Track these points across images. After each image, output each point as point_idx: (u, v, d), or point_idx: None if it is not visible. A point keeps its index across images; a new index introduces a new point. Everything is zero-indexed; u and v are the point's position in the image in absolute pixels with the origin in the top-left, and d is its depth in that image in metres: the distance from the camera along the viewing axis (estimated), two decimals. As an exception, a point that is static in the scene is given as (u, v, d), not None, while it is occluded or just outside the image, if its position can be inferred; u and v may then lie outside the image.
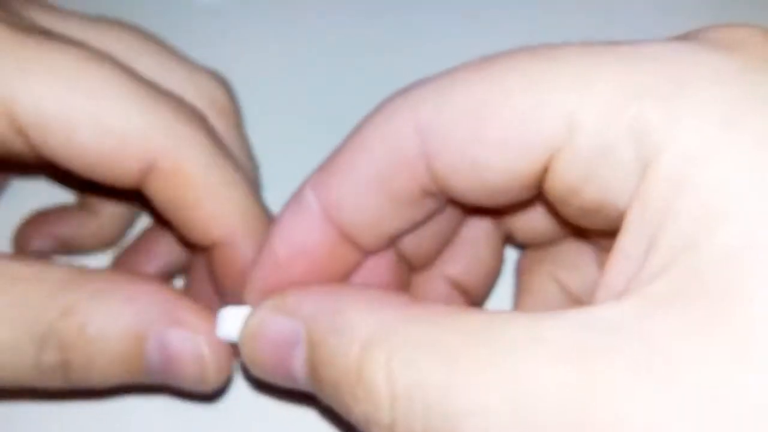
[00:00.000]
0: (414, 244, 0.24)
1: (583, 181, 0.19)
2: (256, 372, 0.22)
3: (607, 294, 0.18)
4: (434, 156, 0.20)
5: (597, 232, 0.23)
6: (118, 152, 0.23)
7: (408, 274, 0.25)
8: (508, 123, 0.19)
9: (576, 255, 0.25)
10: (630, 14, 0.37)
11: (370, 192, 0.21)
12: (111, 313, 0.22)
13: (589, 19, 0.37)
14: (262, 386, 0.27)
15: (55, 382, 0.22)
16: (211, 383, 0.23)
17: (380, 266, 0.24)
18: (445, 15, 0.37)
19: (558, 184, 0.19)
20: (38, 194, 0.30)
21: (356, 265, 0.23)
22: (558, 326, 0.17)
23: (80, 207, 0.29)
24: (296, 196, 0.22)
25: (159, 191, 0.24)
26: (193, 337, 0.22)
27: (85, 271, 0.23)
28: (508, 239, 0.27)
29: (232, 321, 0.22)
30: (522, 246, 0.27)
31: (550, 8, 0.37)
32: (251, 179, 0.27)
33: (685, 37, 0.19)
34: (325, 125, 0.32)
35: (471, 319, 0.18)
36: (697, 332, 0.16)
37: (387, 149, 0.20)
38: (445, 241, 0.25)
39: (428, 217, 0.23)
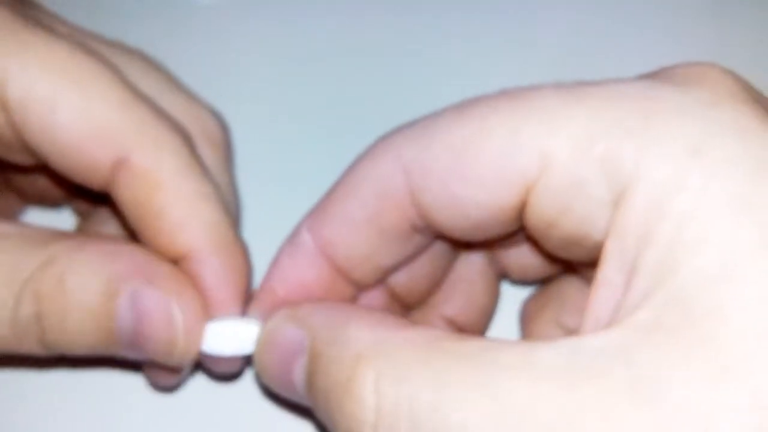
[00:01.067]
0: (406, 282, 0.25)
1: (559, 214, 0.20)
2: (264, 379, 0.23)
3: (593, 323, 0.19)
4: (419, 193, 0.21)
5: (581, 263, 0.24)
6: (93, 141, 0.23)
7: (401, 313, 0.26)
8: (485, 160, 0.20)
9: (577, 296, 0.26)
10: (630, 15, 0.37)
11: (362, 229, 0.22)
12: (89, 266, 0.22)
13: (588, 17, 0.37)
14: (271, 397, 0.27)
15: (30, 344, 0.22)
16: (180, 352, 0.23)
17: (374, 302, 0.25)
18: (446, 15, 0.37)
19: (536, 217, 0.20)
20: (51, 222, 0.30)
21: (351, 300, 0.24)
22: (548, 353, 0.17)
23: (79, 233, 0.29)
24: (292, 237, 0.24)
25: (127, 191, 0.23)
26: (164, 297, 0.22)
27: (69, 232, 0.23)
28: (503, 276, 0.27)
29: (218, 334, 0.23)
30: (517, 282, 0.28)
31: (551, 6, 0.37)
32: (233, 212, 0.26)
33: (651, 76, 0.20)
34: (324, 125, 0.32)
35: (464, 344, 0.19)
36: (679, 356, 0.16)
37: (375, 189, 0.22)
38: (437, 279, 0.26)
39: (419, 252, 0.24)
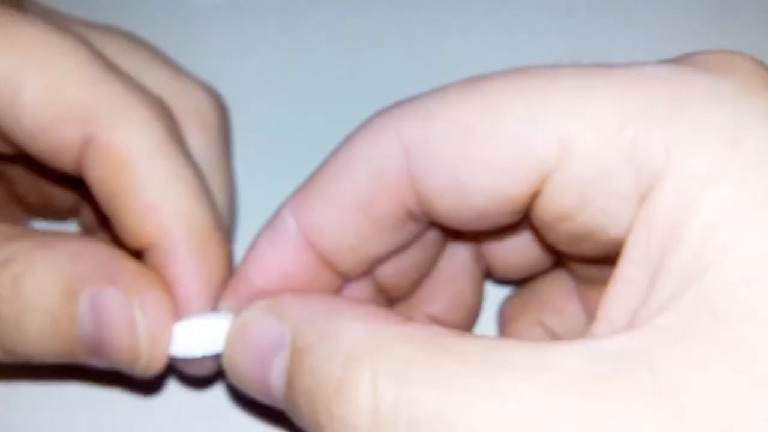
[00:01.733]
0: (393, 274, 0.23)
1: (575, 207, 0.18)
2: (233, 378, 0.20)
3: (608, 325, 0.17)
4: (420, 177, 0.19)
5: (578, 258, 0.22)
6: (59, 121, 0.21)
7: (385, 305, 0.24)
8: (498, 144, 0.18)
9: (558, 296, 0.25)
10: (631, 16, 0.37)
11: (353, 215, 0.20)
12: (49, 266, 0.20)
13: (589, 17, 0.37)
14: (242, 402, 0.25)
15: None
16: (144, 359, 0.21)
17: (359, 293, 0.23)
18: (447, 16, 0.37)
19: (548, 209, 0.18)
20: None
21: (335, 291, 0.22)
22: (564, 355, 0.16)
23: None
24: (273, 221, 0.21)
25: (96, 172, 0.22)
26: (126, 299, 0.20)
27: (32, 229, 0.21)
28: (487, 275, 0.26)
29: (187, 334, 0.21)
30: (501, 281, 0.27)
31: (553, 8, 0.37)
32: (221, 202, 0.25)
33: (676, 61, 0.19)
34: (324, 125, 0.32)
35: (470, 342, 0.17)
36: (710, 361, 0.15)
37: (371, 170, 0.20)
38: (424, 272, 0.24)
39: (410, 241, 0.22)
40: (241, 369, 0.20)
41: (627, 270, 0.17)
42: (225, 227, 0.23)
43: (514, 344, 0.17)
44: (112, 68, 0.22)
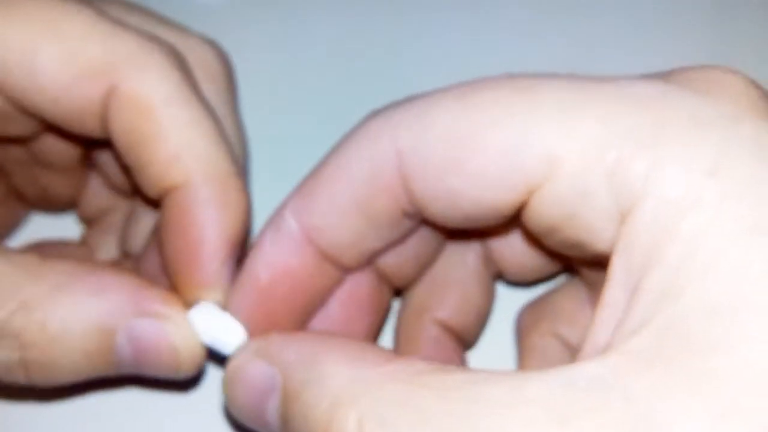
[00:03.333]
0: (395, 262, 0.24)
1: (562, 220, 0.18)
2: (236, 414, 0.21)
3: (593, 347, 0.17)
4: (412, 180, 0.20)
5: (583, 262, 0.23)
6: (79, 80, 0.22)
7: (389, 293, 0.25)
8: (487, 155, 0.18)
9: (572, 306, 0.25)
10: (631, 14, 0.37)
11: (351, 214, 0.21)
12: (74, 308, 0.21)
13: (588, 18, 0.37)
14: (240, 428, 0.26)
15: (18, 380, 0.21)
16: (185, 370, 0.22)
17: (361, 284, 0.23)
18: (447, 17, 0.37)
19: (537, 220, 0.19)
20: (55, 228, 0.29)
21: (337, 282, 0.23)
22: (541, 386, 0.16)
23: (81, 243, 0.28)
24: (275, 220, 0.22)
25: (118, 123, 0.22)
26: (163, 327, 0.21)
27: (46, 262, 0.22)
28: (498, 276, 0.26)
29: (201, 322, 0.22)
30: (513, 283, 0.27)
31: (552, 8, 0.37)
32: (236, 152, 0.25)
33: (663, 77, 0.19)
34: (325, 125, 0.32)
35: (449, 377, 0.17)
36: (680, 389, 0.15)
37: (367, 171, 0.20)
38: (428, 259, 0.25)
39: (408, 235, 0.23)
40: (240, 408, 0.21)
41: (611, 293, 0.17)
42: (243, 174, 0.24)
43: (492, 377, 0.17)
44: (121, 23, 0.23)
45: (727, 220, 0.16)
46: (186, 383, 0.26)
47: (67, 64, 0.22)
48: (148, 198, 0.23)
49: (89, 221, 0.28)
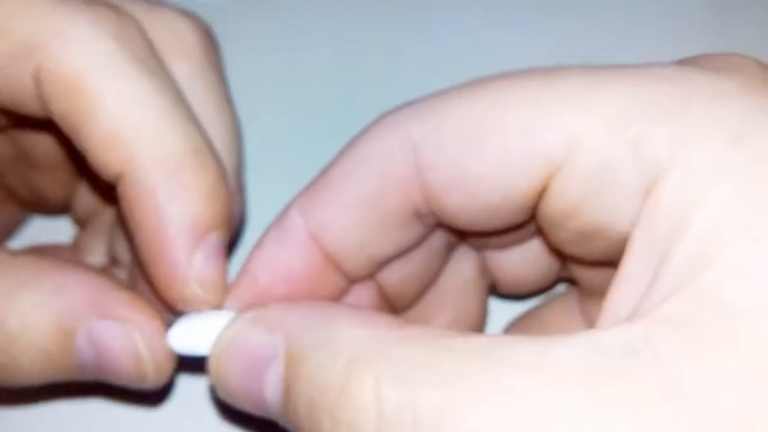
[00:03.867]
0: (397, 280, 0.23)
1: (582, 202, 0.18)
2: (223, 392, 0.20)
3: (611, 318, 0.17)
4: (428, 173, 0.19)
5: (583, 261, 0.22)
6: (8, 59, 0.20)
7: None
8: (506, 138, 0.18)
9: (561, 319, 0.25)
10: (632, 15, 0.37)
11: (361, 213, 0.20)
12: (35, 305, 0.20)
13: (594, 16, 0.37)
14: (230, 414, 0.25)
15: None
16: (151, 380, 0.21)
17: (363, 297, 0.23)
18: (448, 17, 0.37)
19: (556, 204, 0.19)
20: (57, 231, 0.29)
21: (340, 293, 0.22)
22: (566, 350, 0.16)
23: (73, 247, 0.28)
24: (281, 220, 0.21)
25: (54, 105, 0.20)
26: (125, 331, 0.20)
27: (16, 258, 0.20)
28: (492, 290, 0.26)
29: (186, 334, 0.21)
30: (506, 296, 0.27)
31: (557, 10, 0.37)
32: (217, 132, 0.23)
33: (680, 63, 0.19)
34: (325, 126, 0.32)
35: (471, 341, 0.17)
36: (710, 354, 0.15)
37: (379, 167, 0.20)
38: (428, 280, 0.24)
39: (415, 244, 0.22)
40: (231, 384, 0.19)
41: (631, 265, 0.17)
42: (209, 152, 0.21)
43: (516, 340, 0.16)
44: None
45: (755, 186, 0.16)
46: (156, 396, 0.25)
47: (1, 43, 0.20)
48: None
49: (82, 223, 0.27)
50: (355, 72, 0.35)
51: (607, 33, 0.36)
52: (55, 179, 0.26)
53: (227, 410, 0.24)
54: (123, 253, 0.26)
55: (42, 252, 0.27)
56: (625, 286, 0.17)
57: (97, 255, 0.27)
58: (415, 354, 0.17)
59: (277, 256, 0.21)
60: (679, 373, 0.15)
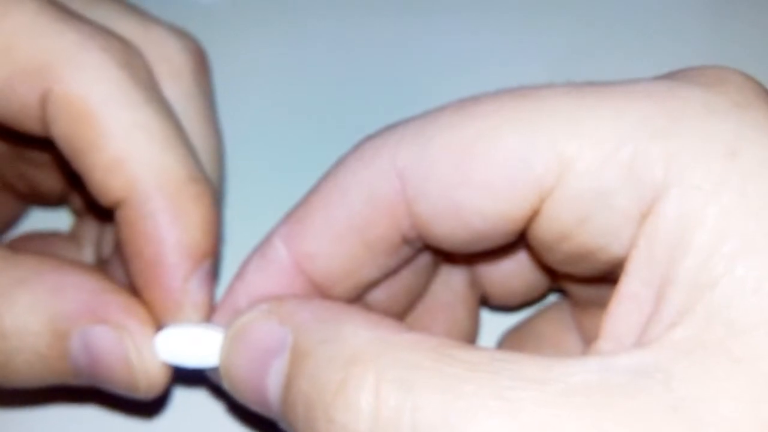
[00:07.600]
0: (385, 299, 0.22)
1: (575, 226, 0.18)
2: (229, 382, 0.20)
3: (614, 341, 0.17)
4: (415, 200, 0.19)
5: (575, 278, 0.22)
6: (14, 79, 0.20)
7: None
8: (495, 163, 0.18)
9: (555, 330, 0.24)
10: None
11: (346, 241, 0.20)
12: (31, 305, 0.20)
13: (590, 21, 0.37)
14: (237, 412, 0.25)
15: None
16: (143, 388, 0.20)
17: None
18: (448, 19, 0.37)
19: (548, 229, 0.18)
20: (50, 222, 0.29)
21: None
22: (575, 369, 0.16)
23: (70, 236, 0.27)
24: (263, 248, 0.21)
25: (58, 128, 0.20)
26: (117, 337, 0.20)
27: (16, 256, 0.20)
28: (483, 302, 0.26)
29: (173, 343, 0.20)
30: (498, 308, 0.26)
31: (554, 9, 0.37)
32: (207, 155, 0.23)
33: (667, 77, 0.19)
34: (325, 126, 0.32)
35: (477, 352, 0.16)
36: (725, 375, 0.15)
37: (365, 195, 0.19)
38: (416, 296, 0.24)
39: (402, 265, 0.21)
40: (238, 371, 0.19)
41: (631, 286, 0.17)
42: (206, 180, 0.22)
43: (522, 357, 0.16)
44: (67, 15, 0.21)
45: (752, 200, 0.16)
46: (152, 407, 0.25)
47: (4, 62, 0.20)
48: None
49: (81, 215, 0.27)
50: (356, 72, 0.35)
51: (607, 34, 0.36)
52: (49, 174, 0.26)
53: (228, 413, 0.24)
54: (104, 253, 0.26)
55: (38, 240, 0.27)
56: (627, 305, 0.17)
57: (95, 244, 0.27)
58: (419, 358, 0.16)
59: (258, 285, 0.21)
60: (691, 395, 0.15)
